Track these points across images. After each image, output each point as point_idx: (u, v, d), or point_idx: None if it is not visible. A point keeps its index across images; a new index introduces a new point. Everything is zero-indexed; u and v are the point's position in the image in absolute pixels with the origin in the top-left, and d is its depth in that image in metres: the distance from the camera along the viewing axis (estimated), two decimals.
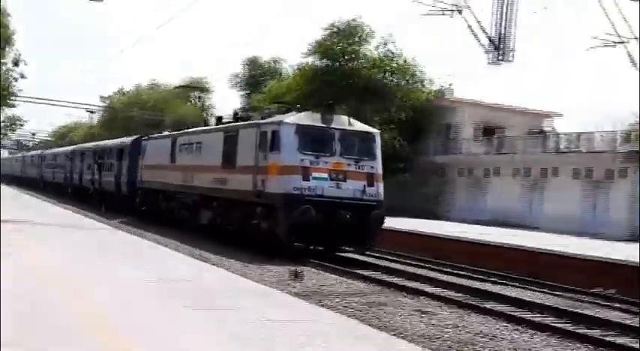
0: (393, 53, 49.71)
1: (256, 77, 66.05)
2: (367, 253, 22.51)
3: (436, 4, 22.82)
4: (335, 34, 48.67)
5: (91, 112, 74.47)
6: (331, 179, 20.31)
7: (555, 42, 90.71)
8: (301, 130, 20.63)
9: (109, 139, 49.27)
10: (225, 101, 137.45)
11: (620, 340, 12.24)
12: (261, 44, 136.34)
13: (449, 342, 11.30)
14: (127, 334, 7.71)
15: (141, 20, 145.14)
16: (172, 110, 64.32)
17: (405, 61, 49.67)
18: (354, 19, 48.85)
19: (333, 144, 20.76)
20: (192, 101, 75.85)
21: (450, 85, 52.44)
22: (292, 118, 21.33)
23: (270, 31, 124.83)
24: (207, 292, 11.29)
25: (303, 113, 22.19)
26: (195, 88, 66.19)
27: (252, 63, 67.50)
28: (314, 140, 20.70)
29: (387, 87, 48.52)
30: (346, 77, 47.23)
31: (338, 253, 21.58)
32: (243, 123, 24.47)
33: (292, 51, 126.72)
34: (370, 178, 20.88)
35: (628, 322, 14.23)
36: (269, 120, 22.23)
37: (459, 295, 16.18)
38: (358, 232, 20.60)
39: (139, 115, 64.47)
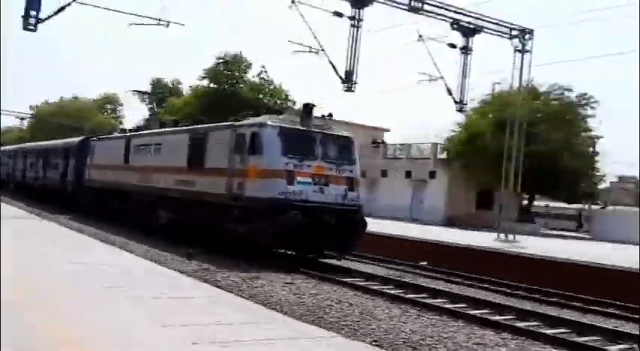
0: (267, 80, 50.11)
1: (160, 94, 64.43)
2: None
3: (302, 45, 23.06)
4: (223, 63, 48.53)
5: (22, 118, 70.81)
6: (314, 184, 16.10)
7: (390, 76, 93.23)
8: (284, 132, 16.28)
9: (34, 141, 45.68)
10: (135, 114, 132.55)
11: (430, 301, 12.43)
12: (165, 66, 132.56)
13: (309, 307, 11.05)
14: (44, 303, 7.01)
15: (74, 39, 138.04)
16: (90, 119, 61.86)
17: (275, 86, 50.21)
18: (238, 53, 49.08)
19: (316, 147, 16.52)
20: (107, 112, 73.17)
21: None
22: (274, 120, 16.97)
23: (172, 57, 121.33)
24: (118, 274, 10.52)
25: (281, 116, 17.93)
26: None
27: (157, 83, 65.82)
28: (297, 143, 16.30)
29: (263, 106, 48.58)
30: (230, 97, 46.99)
31: (322, 260, 16.94)
32: (213, 125, 19.55)
33: (190, 74, 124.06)
34: (350, 183, 16.69)
35: (441, 287, 14.59)
36: (246, 122, 17.50)
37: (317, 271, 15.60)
38: (341, 238, 16.29)
39: (62, 122, 61.44)
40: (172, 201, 20.09)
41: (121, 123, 65.60)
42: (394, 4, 23.45)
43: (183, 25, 24.53)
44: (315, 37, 22.19)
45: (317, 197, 16.03)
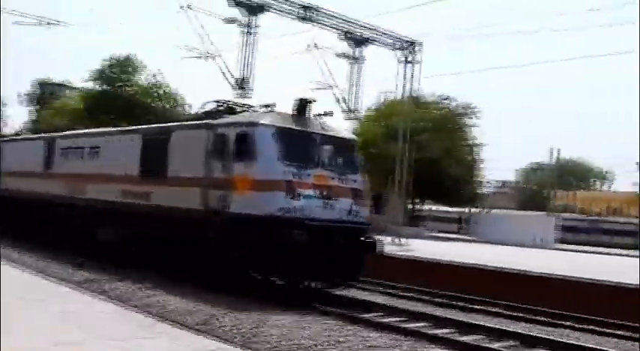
0: (159, 84, 48.97)
1: (45, 95, 61.28)
2: None
3: (195, 50, 22.67)
4: (113, 65, 46.99)
5: None
6: (318, 197, 12.96)
7: (288, 83, 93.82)
8: (280, 133, 12.98)
9: None
10: (16, 115, 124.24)
11: (324, 307, 12.39)
12: (50, 66, 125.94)
13: (204, 316, 10.76)
14: None
15: None
16: None
17: (168, 90, 49.11)
18: (128, 56, 47.68)
19: (316, 152, 13.34)
20: None
21: None
22: (266, 118, 13.44)
23: (58, 56, 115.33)
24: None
25: (271, 113, 14.02)
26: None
27: (42, 84, 62.50)
28: (295, 147, 13.06)
29: (153, 109, 47.36)
30: (120, 99, 45.53)
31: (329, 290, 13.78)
32: (178, 123, 16.03)
33: (77, 75, 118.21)
34: (356, 195, 13.57)
35: (336, 292, 14.66)
36: (227, 120, 13.98)
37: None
38: (350, 261, 13.28)
39: None
40: (114, 217, 16.43)
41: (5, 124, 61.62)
42: (286, 13, 23.57)
43: (73, 25, 23.44)
44: (212, 43, 21.81)
45: (323, 213, 12.92)
